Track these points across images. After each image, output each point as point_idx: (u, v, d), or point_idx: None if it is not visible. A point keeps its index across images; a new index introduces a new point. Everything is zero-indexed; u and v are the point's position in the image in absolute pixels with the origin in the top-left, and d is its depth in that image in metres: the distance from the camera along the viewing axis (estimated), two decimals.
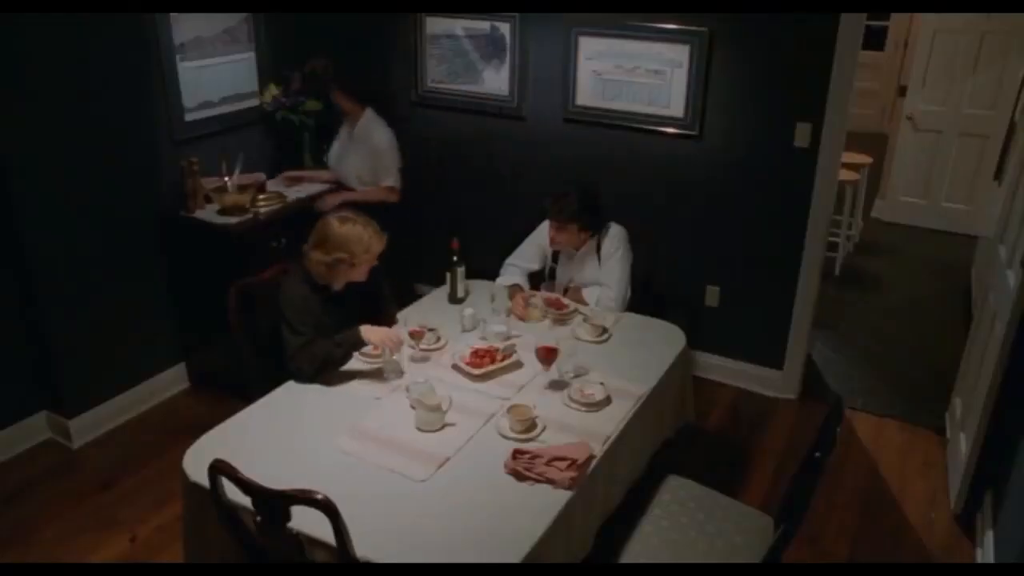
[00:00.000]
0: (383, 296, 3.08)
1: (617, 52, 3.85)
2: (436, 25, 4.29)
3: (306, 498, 1.88)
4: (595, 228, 3.31)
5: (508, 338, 2.93)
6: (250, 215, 3.73)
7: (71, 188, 3.37)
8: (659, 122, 3.88)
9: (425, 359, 2.85)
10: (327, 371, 2.70)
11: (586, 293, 3.35)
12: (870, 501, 3.36)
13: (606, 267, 3.32)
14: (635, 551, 2.39)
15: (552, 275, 3.49)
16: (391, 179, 4.02)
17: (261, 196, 3.85)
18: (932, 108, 6.01)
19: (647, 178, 3.99)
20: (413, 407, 2.50)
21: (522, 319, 3.12)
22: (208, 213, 3.74)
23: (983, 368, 3.20)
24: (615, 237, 3.33)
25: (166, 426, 3.75)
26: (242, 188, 3.76)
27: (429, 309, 3.24)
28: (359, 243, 2.74)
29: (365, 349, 2.83)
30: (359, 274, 2.83)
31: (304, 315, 2.74)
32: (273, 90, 4.09)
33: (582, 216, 3.23)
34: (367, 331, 2.69)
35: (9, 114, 3.12)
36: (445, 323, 3.05)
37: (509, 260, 3.45)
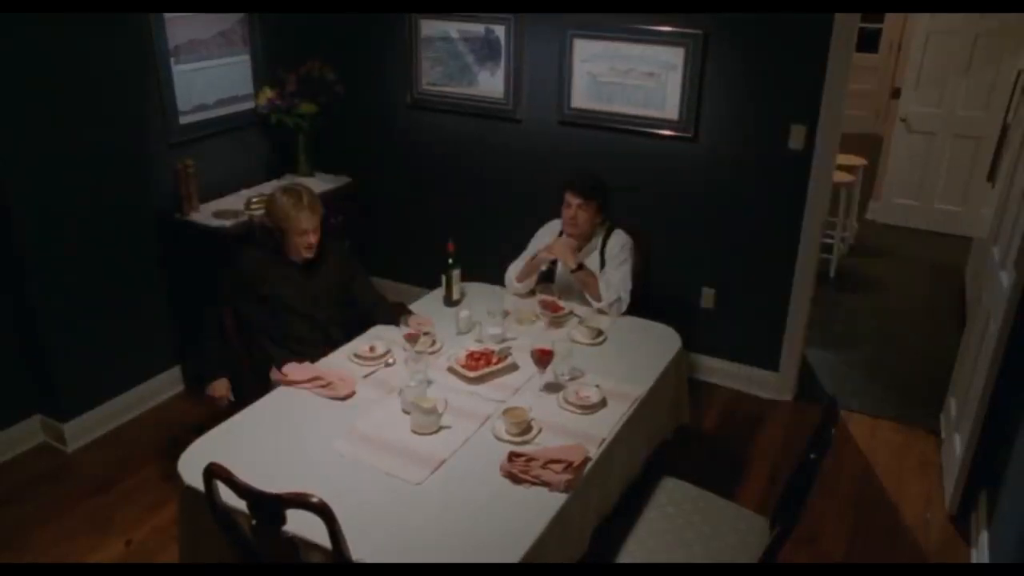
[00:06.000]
0: (356, 285, 3.20)
1: (612, 54, 3.86)
2: (431, 27, 4.29)
3: (301, 501, 1.88)
4: (606, 216, 3.33)
5: (503, 340, 2.93)
6: (245, 218, 3.73)
7: (65, 191, 3.36)
8: (654, 124, 3.88)
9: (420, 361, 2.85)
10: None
11: (601, 285, 3.24)
12: (865, 502, 3.37)
13: (610, 269, 3.30)
14: (631, 552, 2.40)
15: (552, 276, 3.48)
16: None
17: (255, 199, 3.84)
18: (926, 110, 6.03)
19: (642, 180, 3.99)
20: (406, 411, 2.50)
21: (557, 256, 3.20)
22: (203, 216, 3.73)
23: (977, 369, 3.21)
24: (621, 245, 3.31)
25: (161, 429, 3.74)
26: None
27: (425, 311, 3.23)
28: (286, 218, 2.91)
29: (362, 351, 2.83)
30: (300, 247, 2.96)
31: (232, 280, 3.00)
32: (268, 92, 4.08)
33: (600, 194, 3.25)
34: (291, 370, 2.76)
35: (2, 117, 3.11)
36: (441, 325, 3.05)
37: (515, 264, 3.42)
